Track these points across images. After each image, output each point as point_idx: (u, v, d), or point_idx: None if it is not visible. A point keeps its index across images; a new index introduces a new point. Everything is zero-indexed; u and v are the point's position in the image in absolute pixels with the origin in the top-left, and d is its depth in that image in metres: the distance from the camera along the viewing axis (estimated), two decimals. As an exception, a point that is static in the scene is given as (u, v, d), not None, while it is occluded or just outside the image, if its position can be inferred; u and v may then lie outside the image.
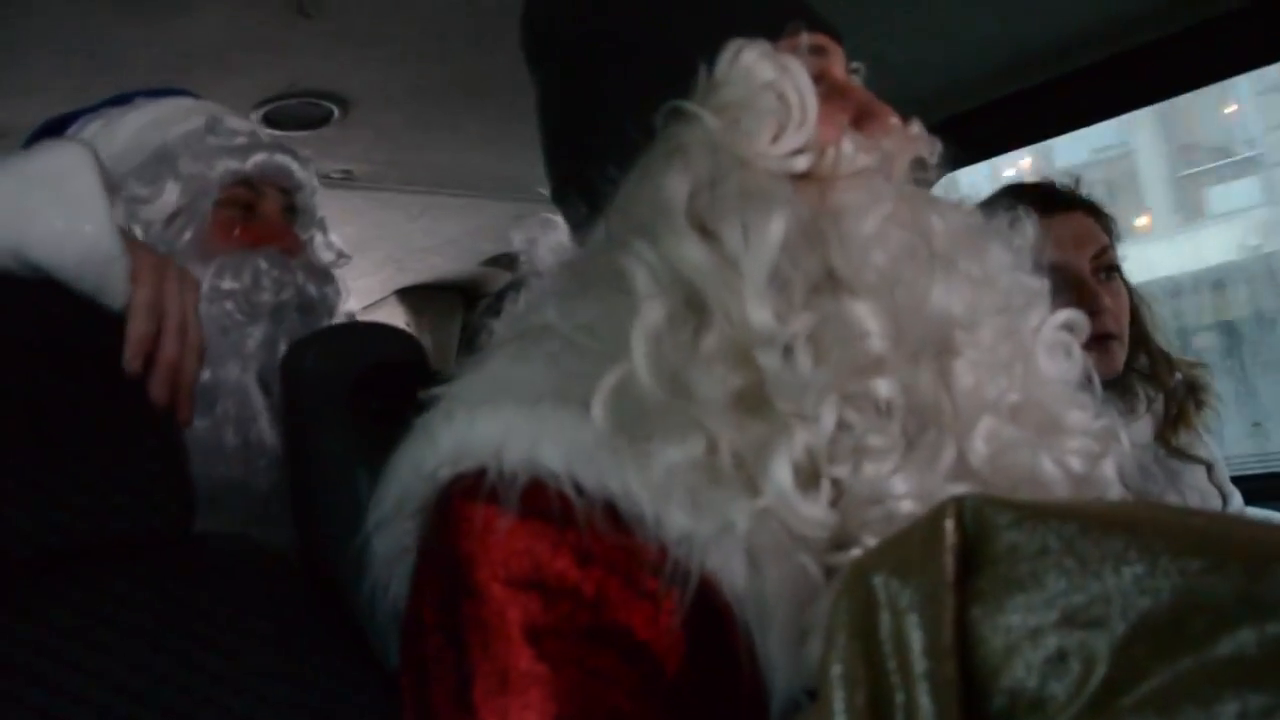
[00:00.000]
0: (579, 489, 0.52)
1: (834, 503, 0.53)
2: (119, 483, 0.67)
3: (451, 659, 0.51)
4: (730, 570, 0.51)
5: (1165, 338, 1.39)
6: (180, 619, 0.66)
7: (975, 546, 0.35)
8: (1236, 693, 0.28)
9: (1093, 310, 1.23)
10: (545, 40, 0.72)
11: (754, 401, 0.54)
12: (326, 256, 1.08)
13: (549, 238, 0.68)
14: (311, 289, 1.00)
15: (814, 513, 0.52)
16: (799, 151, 0.60)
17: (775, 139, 0.59)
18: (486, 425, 0.55)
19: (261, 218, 1.02)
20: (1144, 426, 1.31)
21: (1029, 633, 0.32)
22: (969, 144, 1.53)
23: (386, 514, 0.60)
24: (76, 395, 0.68)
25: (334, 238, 1.10)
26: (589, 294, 0.61)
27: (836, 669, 0.33)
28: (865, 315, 0.56)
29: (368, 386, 0.88)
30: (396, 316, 2.39)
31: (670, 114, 0.61)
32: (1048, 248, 1.24)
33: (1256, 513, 1.40)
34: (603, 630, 0.50)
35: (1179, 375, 1.36)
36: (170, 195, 0.96)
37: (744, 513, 0.52)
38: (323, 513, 0.86)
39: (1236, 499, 1.37)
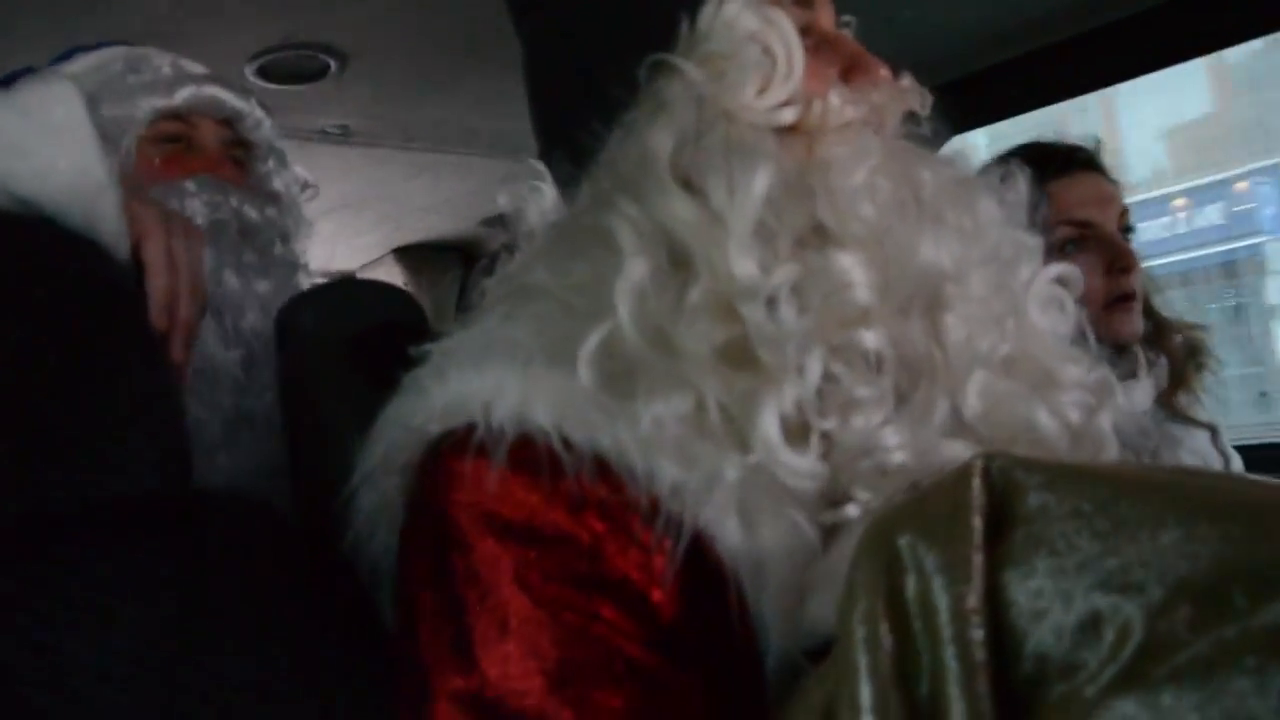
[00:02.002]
0: (567, 444, 0.52)
1: (824, 456, 0.53)
2: (115, 440, 0.66)
3: (445, 613, 0.51)
4: (723, 525, 0.51)
5: (1162, 302, 1.39)
6: (182, 580, 0.65)
7: (1004, 508, 0.34)
8: (1282, 662, 0.27)
9: (1124, 268, 1.23)
10: None
11: (740, 355, 0.54)
12: (291, 190, 1.06)
13: (538, 197, 0.67)
14: (251, 211, 0.98)
15: (803, 464, 0.52)
16: (785, 104, 0.59)
17: (761, 91, 0.59)
18: (476, 382, 0.55)
19: (196, 149, 1.00)
20: (1145, 390, 1.31)
21: (1060, 596, 0.31)
22: (977, 107, 1.51)
23: (372, 468, 0.60)
24: (65, 345, 0.66)
25: (299, 169, 1.08)
26: (577, 253, 0.60)
27: (860, 631, 0.32)
28: (851, 266, 0.55)
29: (366, 347, 0.87)
30: (394, 276, 2.37)
31: (654, 68, 0.60)
32: (1073, 205, 1.27)
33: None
34: (599, 577, 0.50)
35: (1179, 337, 1.36)
36: None
37: (733, 466, 0.52)
38: (319, 475, 0.86)
39: (1237, 462, 1.38)
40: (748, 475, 0.52)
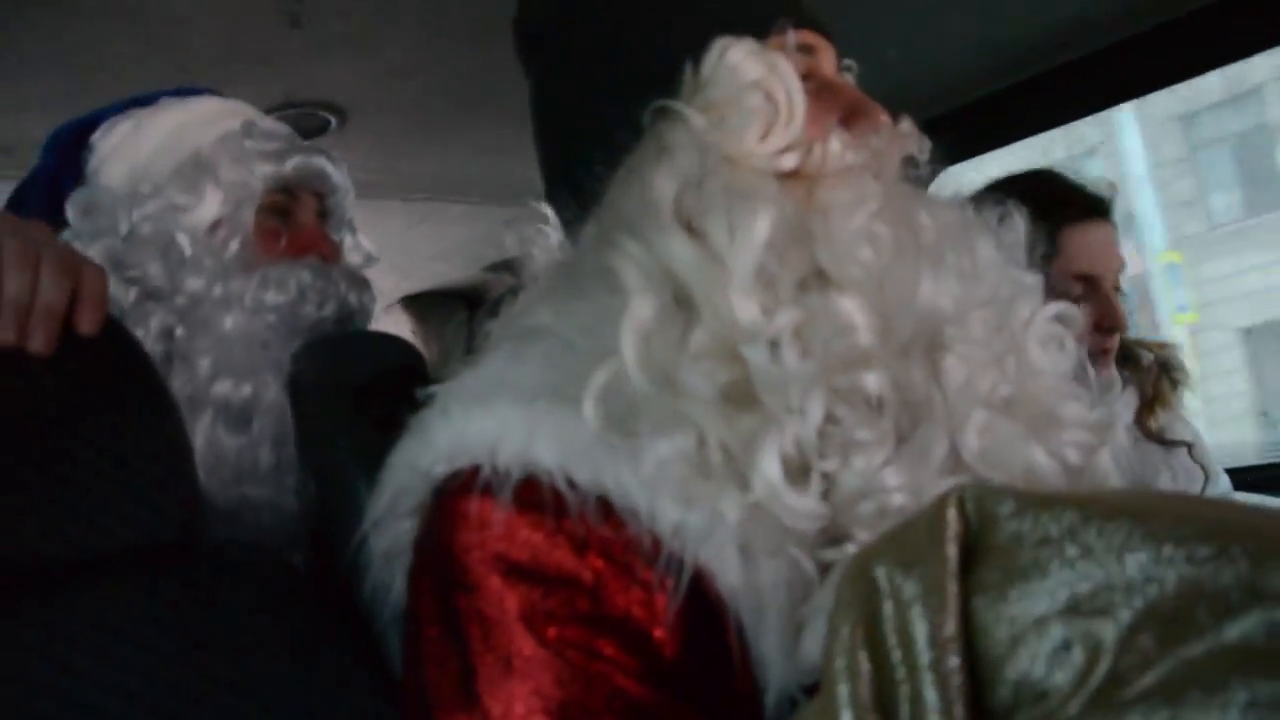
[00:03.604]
0: (572, 484, 0.53)
1: (824, 497, 0.54)
2: (125, 491, 0.67)
3: (450, 652, 0.52)
4: (723, 564, 0.52)
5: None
6: (190, 627, 0.66)
7: (978, 536, 0.35)
8: (1245, 680, 0.27)
9: (1111, 328, 1.27)
10: (536, 41, 0.73)
11: (743, 396, 0.55)
12: (355, 259, 1.04)
13: (543, 240, 0.68)
14: (352, 298, 0.96)
15: (804, 504, 0.52)
16: (786, 149, 0.60)
17: (763, 137, 0.60)
18: (481, 423, 0.56)
19: (299, 225, 0.97)
20: (1124, 410, 1.35)
21: (1033, 622, 0.32)
22: (964, 140, 1.53)
23: (383, 512, 0.61)
24: (77, 403, 0.68)
25: (362, 239, 1.05)
26: (582, 294, 0.61)
27: (840, 661, 0.33)
28: (852, 310, 0.56)
29: (369, 395, 0.88)
30: (402, 324, 2.40)
31: (658, 113, 0.61)
32: (1082, 257, 1.30)
33: (1252, 499, 1.40)
34: (602, 617, 0.51)
35: (1151, 356, 1.39)
36: (212, 203, 0.91)
37: (734, 505, 0.52)
38: (329, 523, 0.86)
39: (1222, 478, 1.40)
40: (748, 515, 0.52)
